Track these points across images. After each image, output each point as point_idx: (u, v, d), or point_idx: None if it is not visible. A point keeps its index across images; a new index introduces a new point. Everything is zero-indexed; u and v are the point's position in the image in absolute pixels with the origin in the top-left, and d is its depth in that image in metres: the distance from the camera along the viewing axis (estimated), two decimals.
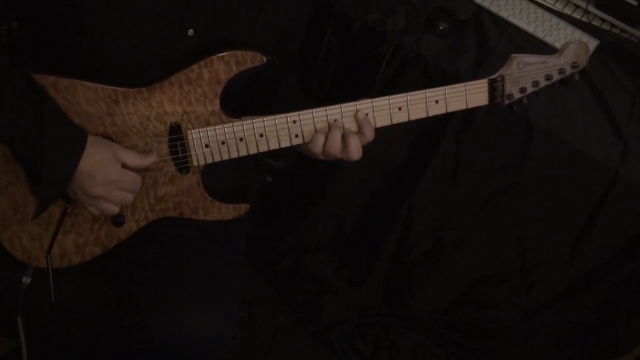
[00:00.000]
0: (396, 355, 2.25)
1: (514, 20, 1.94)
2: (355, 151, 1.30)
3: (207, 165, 1.33)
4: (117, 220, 1.34)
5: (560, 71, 1.33)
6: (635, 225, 1.81)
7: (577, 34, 1.92)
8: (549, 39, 1.89)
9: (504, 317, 2.15)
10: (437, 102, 1.31)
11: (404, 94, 1.30)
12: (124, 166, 1.25)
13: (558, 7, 2.02)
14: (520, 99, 1.35)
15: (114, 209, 1.29)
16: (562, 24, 1.94)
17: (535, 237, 1.95)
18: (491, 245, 2.03)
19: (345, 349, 2.25)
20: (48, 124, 1.17)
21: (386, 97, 1.29)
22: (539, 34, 1.91)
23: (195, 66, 1.24)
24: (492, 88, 1.32)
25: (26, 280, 1.35)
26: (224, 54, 1.24)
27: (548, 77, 1.33)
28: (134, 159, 1.26)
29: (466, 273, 2.13)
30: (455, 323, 2.26)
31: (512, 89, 1.33)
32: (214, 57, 1.24)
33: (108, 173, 1.23)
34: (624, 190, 1.73)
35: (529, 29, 1.92)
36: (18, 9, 1.35)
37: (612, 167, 1.72)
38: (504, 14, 1.95)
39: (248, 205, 1.42)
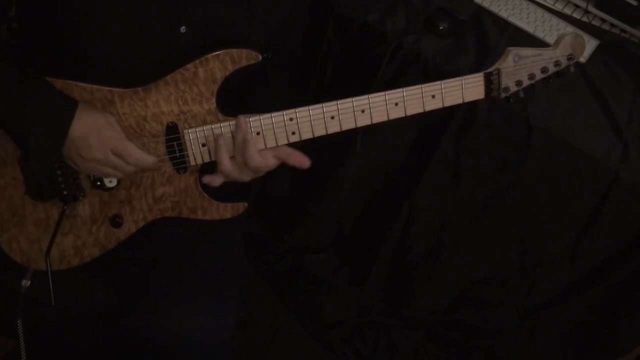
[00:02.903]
0: (396, 355, 2.25)
1: (514, 20, 1.93)
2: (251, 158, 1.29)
3: (204, 165, 1.32)
4: (116, 221, 1.34)
5: (556, 63, 1.32)
6: (635, 225, 1.80)
7: None
8: (549, 39, 1.89)
9: (504, 317, 2.15)
10: (433, 96, 1.31)
11: (401, 89, 1.29)
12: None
13: (558, 7, 2.02)
14: (516, 92, 1.35)
15: (116, 174, 1.28)
16: (562, 24, 1.94)
17: (535, 237, 1.95)
18: (491, 245, 2.03)
19: (345, 349, 2.25)
20: (32, 94, 1.18)
21: (382, 93, 1.29)
22: (539, 34, 1.90)
23: (190, 65, 1.24)
24: (488, 81, 1.31)
25: (26, 283, 1.35)
26: (220, 52, 1.23)
27: (544, 70, 1.33)
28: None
29: (466, 273, 2.13)
30: (455, 323, 2.25)
31: (508, 82, 1.33)
32: (209, 56, 1.23)
33: (101, 136, 1.22)
34: (624, 190, 1.73)
35: (529, 29, 1.92)
36: (16, 9, 1.35)
37: (612, 167, 1.71)
38: (504, 14, 1.95)
39: (246, 204, 1.41)
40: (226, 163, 1.29)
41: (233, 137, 1.28)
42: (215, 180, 1.33)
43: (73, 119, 1.20)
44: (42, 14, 1.25)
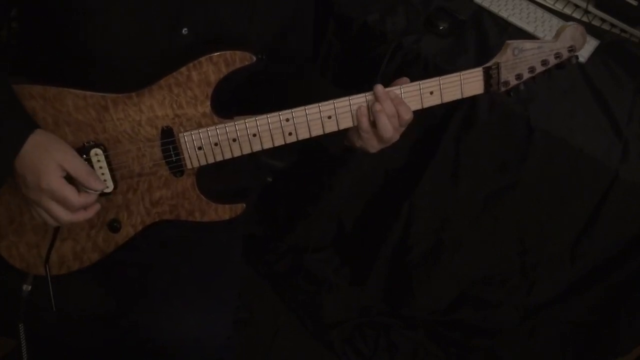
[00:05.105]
0: (396, 355, 2.25)
1: (514, 20, 1.93)
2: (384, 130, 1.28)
3: (201, 168, 1.32)
4: (114, 225, 1.34)
5: (557, 55, 1.30)
6: (635, 225, 1.80)
7: None
8: (549, 39, 1.88)
9: (504, 317, 2.15)
10: (431, 93, 1.29)
11: (398, 87, 1.27)
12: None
13: (558, 7, 2.02)
14: (517, 86, 1.32)
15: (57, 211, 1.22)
16: (562, 23, 1.93)
17: (535, 237, 1.95)
18: (491, 245, 2.02)
19: (345, 348, 2.25)
20: None
21: None
22: (539, 34, 1.90)
23: (184, 68, 1.22)
24: (488, 76, 1.29)
25: (26, 288, 1.35)
26: (213, 55, 1.22)
27: (544, 62, 1.30)
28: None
29: (466, 273, 2.13)
30: (455, 323, 2.25)
31: (508, 76, 1.30)
32: (203, 59, 1.22)
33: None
34: (624, 190, 1.73)
35: (529, 29, 1.91)
36: (16, 8, 1.35)
37: (612, 167, 1.71)
38: (504, 14, 1.95)
39: (244, 205, 1.40)
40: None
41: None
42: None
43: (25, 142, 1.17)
44: (42, 14, 1.25)
